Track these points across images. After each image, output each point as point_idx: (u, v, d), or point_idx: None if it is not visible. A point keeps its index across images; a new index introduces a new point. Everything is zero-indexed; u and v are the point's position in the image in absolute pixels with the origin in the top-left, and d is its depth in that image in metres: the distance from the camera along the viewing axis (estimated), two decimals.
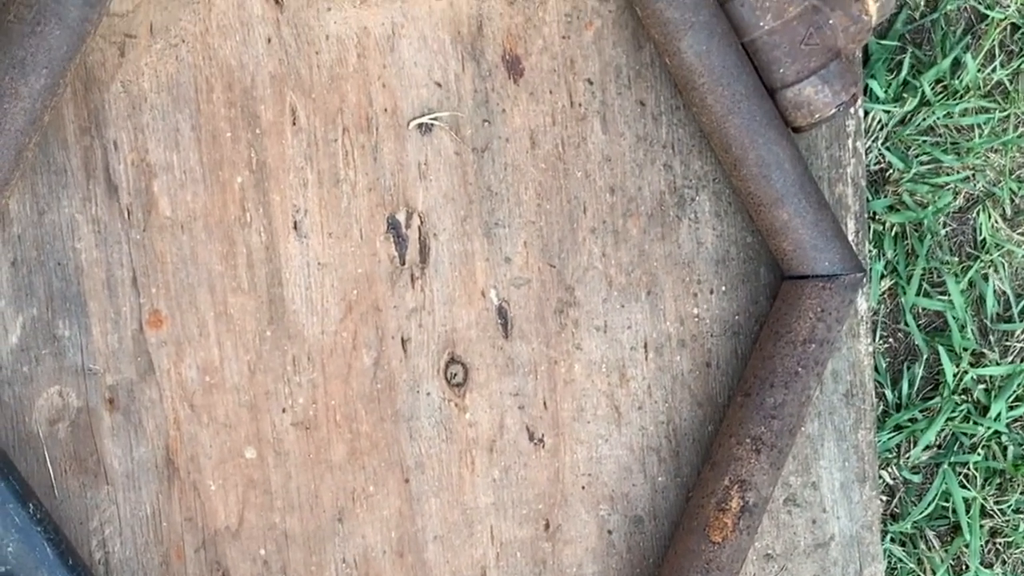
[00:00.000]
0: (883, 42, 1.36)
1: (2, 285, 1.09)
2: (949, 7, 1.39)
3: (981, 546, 1.42)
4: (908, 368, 1.42)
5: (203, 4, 1.12)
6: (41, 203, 1.10)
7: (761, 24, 1.17)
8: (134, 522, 1.13)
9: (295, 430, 1.16)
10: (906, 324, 1.41)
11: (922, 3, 1.40)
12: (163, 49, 1.11)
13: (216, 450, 1.14)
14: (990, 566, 1.44)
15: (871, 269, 1.36)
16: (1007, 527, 1.43)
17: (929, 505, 1.40)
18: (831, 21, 1.19)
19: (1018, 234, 1.43)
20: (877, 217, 1.38)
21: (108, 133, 1.11)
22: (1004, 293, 1.43)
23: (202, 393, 1.13)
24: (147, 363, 1.12)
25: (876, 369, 1.39)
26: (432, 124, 1.18)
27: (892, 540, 1.42)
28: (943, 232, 1.41)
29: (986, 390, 1.42)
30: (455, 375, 1.20)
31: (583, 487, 1.23)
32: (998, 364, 1.41)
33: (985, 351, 1.42)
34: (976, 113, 1.40)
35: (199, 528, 1.14)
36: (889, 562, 1.42)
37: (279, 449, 1.15)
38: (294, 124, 1.15)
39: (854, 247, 1.27)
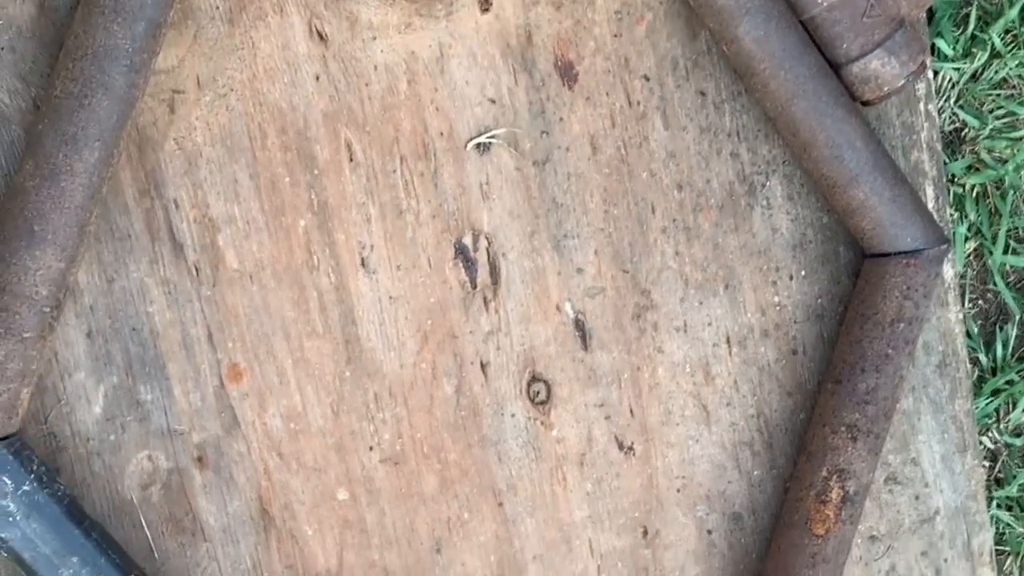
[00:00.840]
0: None
1: (80, 357, 1.21)
2: None
3: None
4: (1000, 329, 1.52)
5: (247, 49, 1.21)
6: (109, 271, 1.21)
7: (820, 0, 1.24)
8: (235, 575, 1.25)
9: (384, 467, 1.27)
10: (995, 284, 1.50)
11: None
12: (212, 100, 1.21)
13: (308, 495, 1.26)
14: None
15: (954, 233, 1.44)
16: None
17: None
18: None
19: None
20: (956, 180, 1.47)
21: (167, 192, 1.21)
22: None
23: (288, 440, 1.25)
24: (231, 417, 1.24)
25: (968, 335, 1.48)
26: (490, 142, 1.27)
27: (999, 506, 1.52)
28: None
29: None
30: (538, 393, 1.31)
31: (678, 490, 1.34)
32: None
33: None
34: None
35: (300, 574, 1.26)
36: (997, 528, 1.53)
37: (370, 487, 1.27)
38: (351, 160, 1.24)
39: (934, 214, 1.35)
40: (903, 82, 1.26)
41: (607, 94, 1.28)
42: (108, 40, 1.09)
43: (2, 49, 1.16)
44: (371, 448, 1.26)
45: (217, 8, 1.19)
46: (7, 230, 1.10)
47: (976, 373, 1.49)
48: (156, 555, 1.22)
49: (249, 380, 1.23)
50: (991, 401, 1.48)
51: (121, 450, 1.21)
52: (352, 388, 1.25)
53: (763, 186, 1.31)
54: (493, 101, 1.25)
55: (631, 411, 1.31)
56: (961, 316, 1.36)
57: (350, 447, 1.26)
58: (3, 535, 1.10)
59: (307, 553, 1.26)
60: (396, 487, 1.27)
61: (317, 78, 1.22)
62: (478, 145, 1.26)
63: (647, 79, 1.28)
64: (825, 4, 1.24)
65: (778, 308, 1.33)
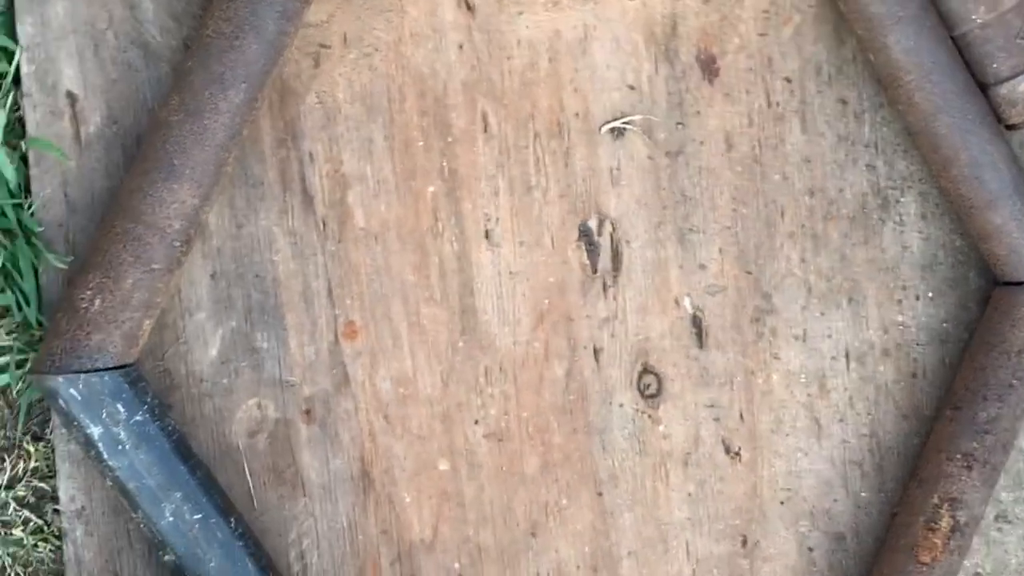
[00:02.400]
0: None
1: (202, 298, 1.26)
2: None
3: None
4: None
5: (396, 12, 1.26)
6: (239, 216, 1.26)
7: (973, 17, 1.26)
8: (331, 535, 1.29)
9: (488, 442, 1.31)
10: None
11: None
12: (357, 59, 1.27)
13: (410, 462, 1.29)
14: None
15: None
16: None
17: None
18: None
19: None
20: None
21: (304, 145, 1.26)
22: None
23: (396, 404, 1.29)
24: (343, 375, 1.28)
25: None
26: (624, 128, 1.31)
27: None
28: None
29: None
30: (648, 386, 1.33)
31: (782, 502, 1.35)
32: None
33: None
34: None
35: (394, 541, 1.30)
36: None
37: (472, 461, 1.30)
38: (485, 131, 1.29)
39: None
40: None
41: (747, 92, 1.31)
42: None
43: None
44: (476, 422, 1.29)
45: None
46: (147, 162, 1.15)
47: None
48: (255, 504, 1.27)
49: (364, 339, 1.27)
50: None
51: (232, 395, 1.26)
52: (464, 359, 1.29)
53: (897, 201, 1.33)
54: (632, 87, 1.29)
55: (741, 415, 1.33)
56: None
57: (456, 418, 1.29)
58: (112, 463, 1.14)
59: (403, 520, 1.29)
60: (497, 464, 1.30)
61: (460, 47, 1.27)
62: (612, 130, 1.29)
63: (789, 81, 1.31)
64: (979, 21, 1.26)
65: (901, 328, 1.34)
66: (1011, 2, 1.25)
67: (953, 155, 1.27)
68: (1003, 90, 1.27)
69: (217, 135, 1.15)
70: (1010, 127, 1.29)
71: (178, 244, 1.15)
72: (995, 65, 1.26)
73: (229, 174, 1.22)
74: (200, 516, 1.15)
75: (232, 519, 1.18)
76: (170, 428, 1.16)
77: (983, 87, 1.27)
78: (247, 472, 1.26)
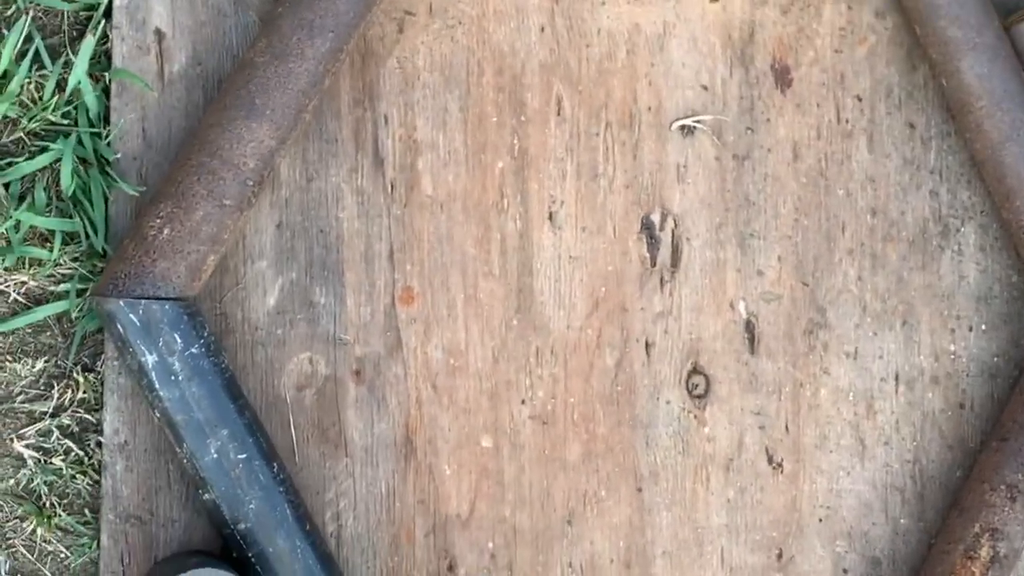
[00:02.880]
0: None
1: (266, 246, 1.26)
2: None
3: None
4: None
5: None
6: (310, 170, 1.27)
7: None
8: (369, 499, 1.28)
9: (532, 423, 1.30)
10: None
11: None
12: (440, 29, 1.29)
13: (454, 435, 1.29)
14: None
15: None
16: None
17: None
18: None
19: None
20: None
21: (380, 107, 1.28)
22: None
23: (445, 375, 1.29)
24: (395, 339, 1.28)
25: None
26: (695, 127, 1.32)
27: None
28: None
29: None
30: (696, 386, 1.33)
31: (820, 519, 1.34)
32: None
33: None
34: None
35: (431, 512, 1.28)
36: None
37: (515, 441, 1.30)
38: (558, 114, 1.31)
39: None
40: None
41: (818, 105, 1.33)
42: None
43: None
44: (523, 402, 1.29)
45: None
46: (229, 98, 1.17)
47: None
48: (297, 459, 1.26)
49: (420, 306, 1.28)
50: None
51: (285, 346, 1.26)
52: (516, 338, 1.29)
53: (957, 231, 1.34)
54: (705, 88, 1.31)
55: (786, 427, 1.33)
56: None
57: (503, 396, 1.29)
58: (163, 393, 1.14)
59: (441, 492, 1.28)
60: (540, 447, 1.29)
61: (542, 29, 1.29)
62: (683, 127, 1.31)
63: (859, 99, 1.33)
64: None
65: (952, 357, 1.34)
66: None
67: (1018, 185, 1.28)
68: None
69: (300, 80, 1.16)
70: None
71: (251, 183, 1.16)
72: None
73: (305, 126, 1.24)
74: (244, 456, 1.15)
75: (275, 464, 1.17)
76: (223, 366, 1.16)
77: None
78: (292, 425, 1.25)
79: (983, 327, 1.34)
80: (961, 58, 1.26)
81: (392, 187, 1.27)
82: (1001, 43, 1.26)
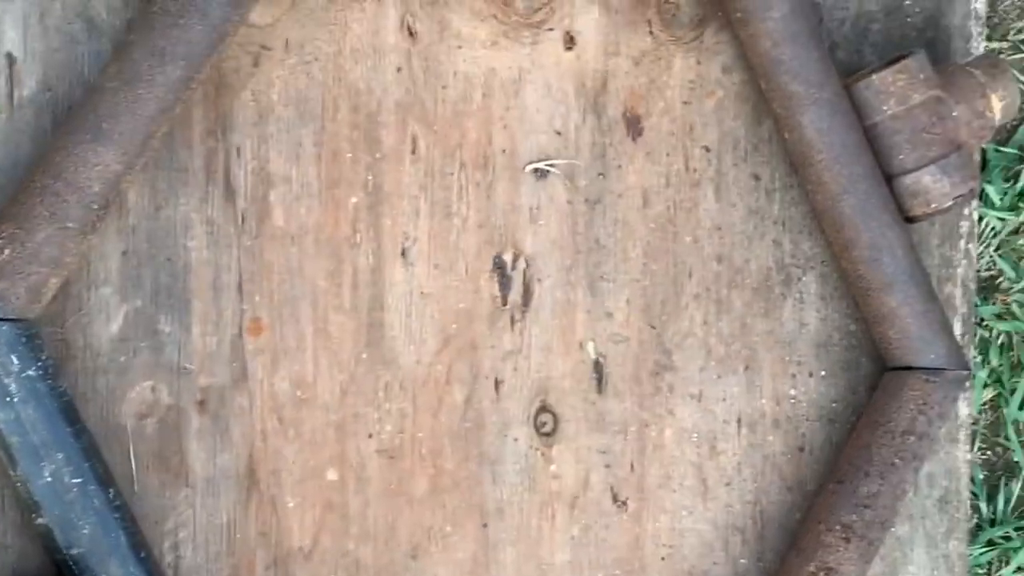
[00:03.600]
0: (1002, 149, 1.53)
1: (111, 273, 1.25)
2: None
3: None
4: (1005, 484, 1.55)
5: (340, 26, 1.30)
6: (159, 198, 1.26)
7: (884, 108, 1.33)
8: (209, 529, 1.25)
9: (379, 457, 1.29)
10: (1006, 438, 1.54)
11: None
12: (296, 64, 1.29)
13: (299, 467, 1.27)
14: None
15: (974, 376, 1.50)
16: None
17: None
18: (954, 113, 1.35)
19: None
20: (984, 323, 1.53)
21: (233, 138, 1.28)
22: None
23: (292, 407, 1.28)
24: (242, 369, 1.27)
25: (972, 480, 1.52)
26: (548, 170, 1.34)
27: None
28: None
29: None
30: (544, 424, 1.33)
31: (662, 558, 1.35)
32: None
33: None
34: None
35: (272, 545, 1.26)
36: None
37: (361, 475, 1.29)
38: (413, 153, 1.31)
39: None
40: (951, 203, 1.33)
41: (667, 154, 1.36)
42: None
43: None
44: (370, 435, 1.28)
45: None
46: (76, 122, 1.16)
47: (975, 520, 1.51)
48: (136, 487, 1.23)
49: (268, 337, 1.27)
50: (985, 552, 1.50)
51: (127, 374, 1.24)
52: (365, 371, 1.29)
53: (799, 279, 1.37)
54: (559, 133, 1.33)
55: (632, 466, 1.34)
56: (969, 457, 1.40)
57: (350, 429, 1.28)
58: None
59: (284, 525, 1.26)
60: (386, 481, 1.29)
61: (399, 69, 1.30)
62: (536, 170, 1.33)
63: (708, 150, 1.36)
64: (889, 112, 1.32)
65: (793, 402, 1.37)
66: (920, 97, 1.31)
67: (855, 236, 1.32)
68: (907, 180, 1.32)
69: (149, 106, 1.16)
70: (910, 219, 1.34)
71: (95, 207, 1.14)
72: (901, 156, 1.31)
73: (155, 154, 1.23)
74: (79, 481, 1.12)
75: (111, 490, 1.14)
76: (61, 390, 1.14)
77: (888, 177, 1.32)
78: (132, 454, 1.23)
79: (822, 373, 1.37)
80: (803, 113, 1.30)
81: (243, 218, 1.26)
82: (841, 100, 1.30)
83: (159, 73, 1.17)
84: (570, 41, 1.34)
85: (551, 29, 1.33)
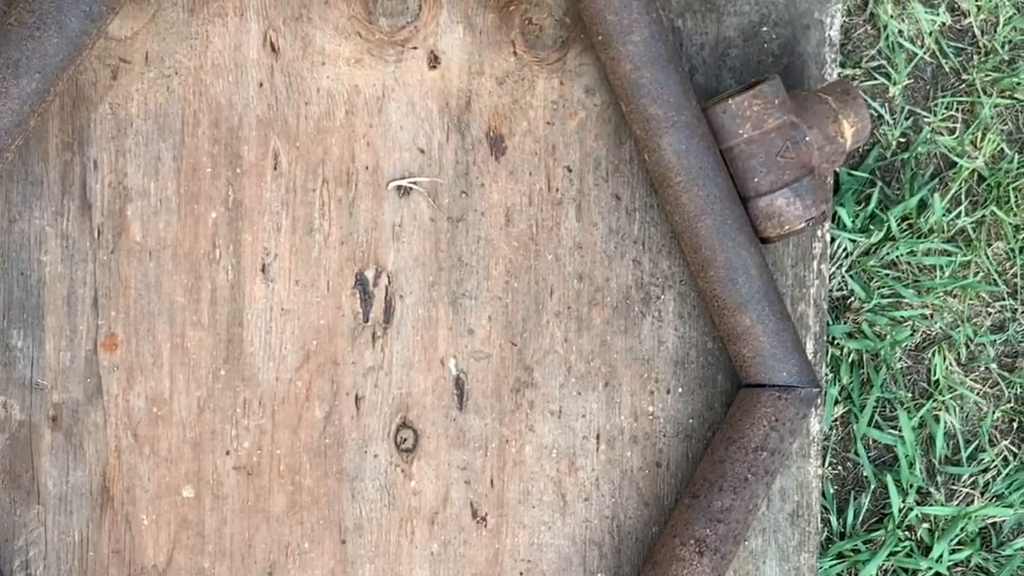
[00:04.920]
0: (854, 173, 1.57)
1: None
2: (920, 149, 1.61)
3: None
4: (855, 498, 1.59)
5: (201, 40, 1.29)
6: (13, 211, 1.23)
7: (740, 132, 1.35)
8: (61, 547, 1.23)
9: (236, 474, 1.28)
10: (856, 453, 1.58)
11: (894, 143, 1.62)
12: (156, 78, 1.28)
13: (154, 484, 1.25)
14: None
15: (826, 392, 1.53)
16: None
17: None
18: (807, 138, 1.38)
19: (971, 379, 1.62)
20: (835, 342, 1.57)
21: (90, 152, 1.26)
22: (954, 436, 1.61)
23: (147, 424, 1.26)
24: (96, 386, 1.24)
25: (823, 494, 1.55)
26: (411, 188, 1.34)
27: None
28: (899, 366, 1.60)
29: (930, 530, 1.59)
30: (405, 440, 1.33)
31: (521, 573, 1.36)
32: (943, 505, 1.58)
33: (931, 490, 1.60)
34: (938, 255, 1.61)
35: (126, 563, 1.24)
36: None
37: (218, 492, 1.27)
38: (275, 168, 1.30)
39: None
40: (803, 225, 1.36)
41: (530, 174, 1.37)
42: None
43: None
44: (228, 452, 1.27)
45: None
46: None
47: (825, 534, 1.55)
48: None
49: (123, 353, 1.25)
50: (835, 564, 1.54)
51: None
52: (223, 388, 1.27)
53: (658, 298, 1.39)
54: (422, 151, 1.33)
55: (492, 482, 1.34)
56: (820, 472, 1.43)
57: (207, 446, 1.26)
58: None
59: (138, 543, 1.24)
60: (243, 498, 1.27)
61: (261, 84, 1.29)
62: (399, 188, 1.33)
63: (569, 170, 1.38)
64: (744, 136, 1.35)
65: (651, 418, 1.39)
66: (774, 122, 1.34)
67: (711, 256, 1.34)
68: (761, 203, 1.35)
69: (3, 119, 1.14)
70: (765, 240, 1.36)
71: None
72: (756, 180, 1.34)
73: (8, 167, 1.20)
74: None
75: None
76: None
77: (744, 199, 1.35)
78: None
79: (680, 390, 1.39)
80: (661, 135, 1.31)
81: (99, 232, 1.24)
82: (699, 123, 1.32)
83: (12, 85, 1.14)
84: (434, 60, 1.34)
85: (415, 48, 1.33)
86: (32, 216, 1.22)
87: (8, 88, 1.13)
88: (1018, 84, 1.59)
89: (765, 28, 1.40)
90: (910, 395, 1.57)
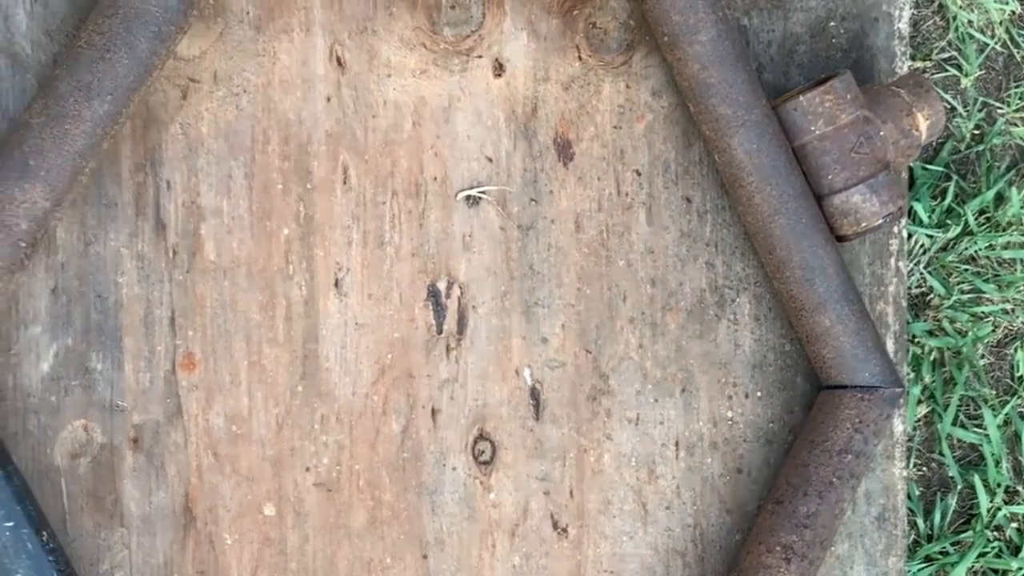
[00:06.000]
0: (929, 167, 1.57)
1: (40, 311, 1.25)
2: (995, 141, 1.61)
3: None
4: (941, 499, 1.59)
5: (268, 57, 1.31)
6: (88, 234, 1.26)
7: (813, 129, 1.36)
8: (146, 570, 1.25)
9: (317, 491, 1.30)
10: (941, 454, 1.58)
11: (968, 136, 1.62)
12: (225, 97, 1.30)
13: (236, 503, 1.28)
14: None
15: (908, 392, 1.53)
16: None
17: None
18: (882, 133, 1.38)
19: None
20: (916, 340, 1.57)
21: (162, 172, 1.28)
22: None
23: (227, 443, 1.28)
24: (176, 406, 1.27)
25: (908, 496, 1.55)
26: (480, 197, 1.36)
27: None
28: (981, 363, 1.60)
29: (1019, 529, 1.58)
30: (483, 452, 1.35)
31: None
32: None
33: (1020, 489, 1.59)
34: (1018, 248, 1.61)
35: None
36: None
37: (299, 509, 1.29)
38: (345, 183, 1.33)
39: None
40: (880, 221, 1.36)
41: (599, 179, 1.38)
42: (141, 4, 1.18)
43: (35, 2, 1.25)
44: (308, 469, 1.29)
45: (247, 13, 1.30)
46: (2, 159, 1.16)
47: (912, 536, 1.55)
48: (68, 529, 1.23)
49: (201, 372, 1.27)
50: (923, 568, 1.53)
51: (59, 413, 1.24)
52: (301, 405, 1.29)
53: (733, 301, 1.40)
54: (490, 159, 1.35)
55: (571, 492, 1.35)
56: (905, 473, 1.43)
57: (287, 463, 1.29)
58: None
59: (222, 563, 1.27)
60: (325, 515, 1.29)
61: (328, 99, 1.32)
62: (468, 197, 1.35)
63: (639, 174, 1.39)
64: (817, 133, 1.35)
65: (730, 423, 1.39)
66: (847, 118, 1.34)
67: (787, 257, 1.34)
68: (836, 200, 1.35)
69: (77, 142, 1.16)
70: (841, 238, 1.37)
71: (23, 244, 1.15)
72: (830, 176, 1.34)
73: (83, 190, 1.23)
74: (11, 525, 1.12)
75: (45, 533, 1.14)
76: None
77: (818, 197, 1.35)
78: (64, 494, 1.22)
79: (758, 394, 1.39)
80: (732, 135, 1.32)
81: (174, 252, 1.27)
82: (769, 121, 1.33)
83: (85, 108, 1.17)
84: (499, 68, 1.36)
85: (480, 56, 1.35)
86: (107, 238, 1.25)
87: (81, 111, 1.16)
88: None
89: (833, 23, 1.41)
90: (994, 392, 1.57)
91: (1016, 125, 1.60)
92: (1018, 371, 1.58)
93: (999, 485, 1.54)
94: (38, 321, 1.23)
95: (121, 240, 1.26)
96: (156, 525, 1.25)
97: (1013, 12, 1.60)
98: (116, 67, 1.17)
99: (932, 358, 1.56)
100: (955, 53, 1.60)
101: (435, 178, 1.33)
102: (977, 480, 1.55)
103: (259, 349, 1.28)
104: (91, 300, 1.24)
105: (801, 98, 1.33)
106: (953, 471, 1.56)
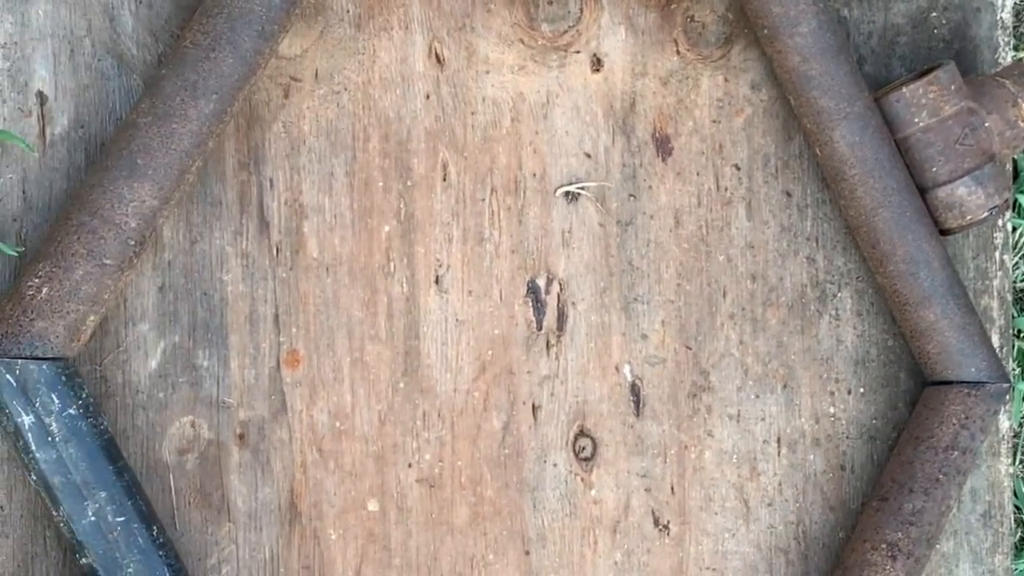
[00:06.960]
0: None
1: (148, 309, 1.28)
2: None
3: None
4: None
5: (368, 56, 1.33)
6: (194, 232, 1.29)
7: (916, 121, 1.36)
8: (252, 564, 1.28)
9: (419, 487, 1.32)
10: None
11: None
12: (326, 95, 1.33)
13: (340, 499, 1.30)
14: None
15: (1015, 388, 1.52)
16: None
17: None
18: (986, 124, 1.37)
19: None
20: (1021, 335, 1.56)
21: (266, 171, 1.31)
22: None
23: (331, 438, 1.30)
24: (280, 402, 1.30)
25: (1015, 493, 1.54)
26: (579, 193, 1.37)
27: None
28: None
29: None
30: (583, 448, 1.36)
31: None
32: None
33: None
34: None
35: None
36: None
37: (402, 505, 1.31)
38: (444, 180, 1.35)
39: None
40: (986, 214, 1.35)
41: (698, 174, 1.38)
42: (245, 4, 1.21)
43: (140, 3, 1.28)
44: (410, 465, 1.31)
45: (347, 11, 1.32)
46: (111, 158, 1.19)
47: (1019, 534, 1.53)
48: (177, 525, 1.26)
49: (305, 369, 1.30)
50: None
51: (167, 410, 1.27)
52: (403, 401, 1.31)
53: (834, 296, 1.40)
54: (588, 155, 1.36)
55: (672, 489, 1.36)
56: (1012, 471, 1.42)
57: (390, 459, 1.31)
58: (39, 455, 1.14)
59: (327, 558, 1.29)
60: (427, 511, 1.31)
61: (427, 96, 1.33)
62: (567, 193, 1.36)
63: (738, 168, 1.39)
64: (921, 125, 1.35)
65: (832, 420, 1.39)
66: (951, 109, 1.34)
67: (890, 250, 1.34)
68: (941, 193, 1.34)
69: (183, 141, 1.19)
70: (945, 231, 1.36)
71: (132, 243, 1.17)
72: (934, 169, 1.34)
73: (189, 189, 1.26)
74: (123, 519, 1.15)
75: (155, 528, 1.17)
76: (102, 428, 1.16)
77: (922, 190, 1.35)
78: (173, 490, 1.25)
79: (861, 390, 1.39)
80: (834, 128, 1.32)
81: (277, 250, 1.29)
82: (871, 113, 1.33)
83: (192, 107, 1.20)
84: (597, 63, 1.37)
85: (578, 52, 1.36)
86: (212, 236, 1.28)
87: (187, 110, 1.19)
88: None
89: (934, 14, 1.40)
90: None
91: None
92: None
93: None
94: (146, 318, 1.26)
95: (226, 238, 1.28)
96: (262, 520, 1.27)
97: None
98: (221, 66, 1.20)
99: None
100: None
101: (534, 174, 1.35)
102: None
103: (361, 346, 1.30)
104: (197, 297, 1.27)
105: (904, 89, 1.33)
106: None
